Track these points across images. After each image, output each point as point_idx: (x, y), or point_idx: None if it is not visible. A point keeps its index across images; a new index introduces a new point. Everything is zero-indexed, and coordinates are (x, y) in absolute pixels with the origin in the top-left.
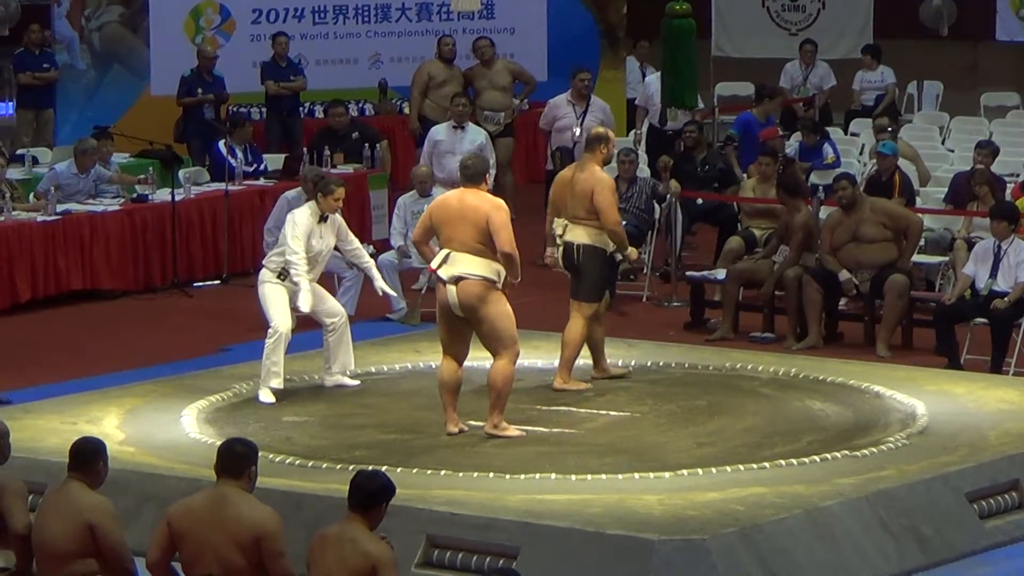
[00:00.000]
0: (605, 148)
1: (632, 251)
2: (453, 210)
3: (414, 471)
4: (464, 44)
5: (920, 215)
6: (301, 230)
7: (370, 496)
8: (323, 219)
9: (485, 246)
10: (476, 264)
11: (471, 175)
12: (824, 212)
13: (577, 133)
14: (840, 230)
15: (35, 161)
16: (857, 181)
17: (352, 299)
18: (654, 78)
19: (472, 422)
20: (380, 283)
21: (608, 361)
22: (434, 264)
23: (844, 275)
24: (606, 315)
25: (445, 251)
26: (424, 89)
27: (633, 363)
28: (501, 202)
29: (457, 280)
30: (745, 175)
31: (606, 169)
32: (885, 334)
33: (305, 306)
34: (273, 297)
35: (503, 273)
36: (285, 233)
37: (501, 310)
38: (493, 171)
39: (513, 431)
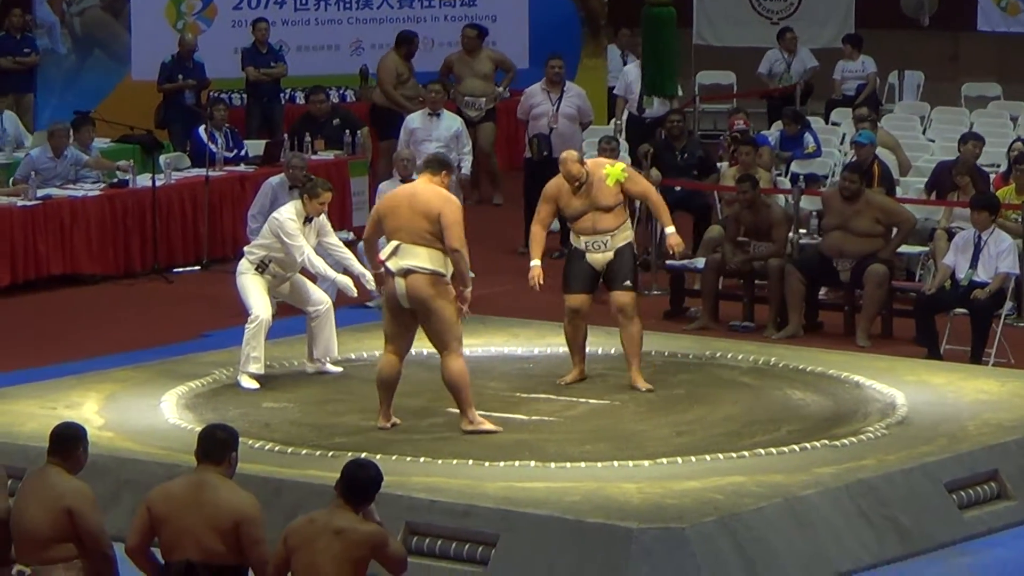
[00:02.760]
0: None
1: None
2: (402, 200)
3: (393, 458)
4: (446, 31)
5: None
6: (293, 229)
7: (365, 487)
8: (308, 220)
9: (435, 237)
10: (425, 257)
11: (430, 161)
12: (804, 202)
13: (554, 120)
14: (830, 216)
15: (19, 144)
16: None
17: (331, 287)
18: (633, 66)
19: (451, 409)
20: (367, 275)
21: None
22: (383, 255)
23: None
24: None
25: (394, 242)
26: (395, 85)
27: (613, 351)
28: (453, 197)
29: (406, 273)
30: (726, 164)
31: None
32: (865, 324)
33: (371, 285)
34: (252, 286)
35: (450, 270)
36: (276, 236)
37: (449, 303)
38: (469, 158)
39: (489, 425)
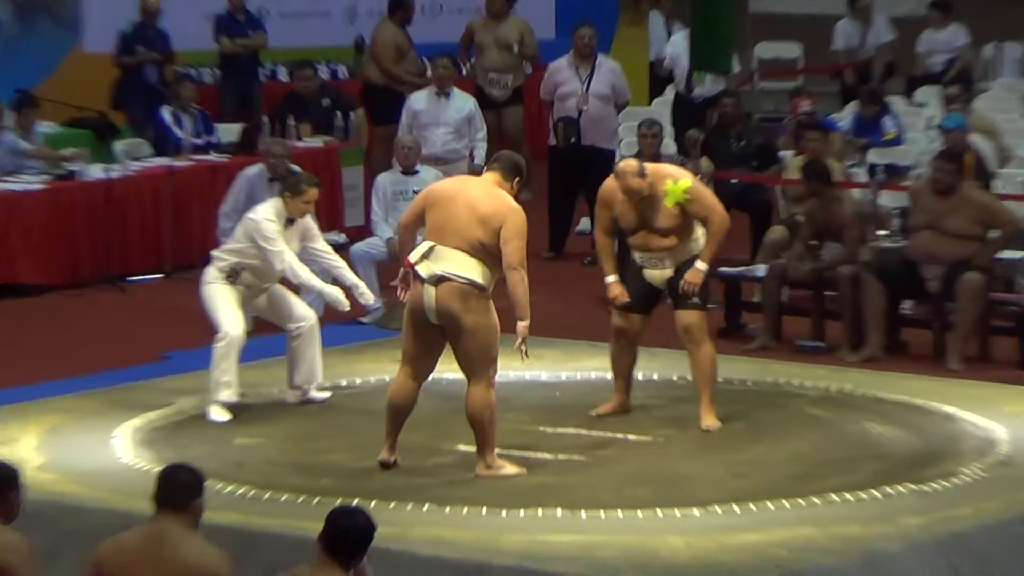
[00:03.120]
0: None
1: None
2: (459, 195)
3: (391, 505)
4: None
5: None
6: (272, 232)
7: (357, 540)
8: (290, 221)
9: (485, 250)
10: (467, 265)
11: (504, 163)
12: (884, 197)
13: (583, 101)
14: (920, 212)
15: None
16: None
17: (318, 300)
18: (680, 37)
19: (461, 447)
20: (360, 286)
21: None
22: (412, 257)
23: None
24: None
25: (429, 243)
26: (395, 59)
27: (655, 376)
28: (521, 209)
29: (439, 280)
30: (789, 152)
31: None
32: (958, 344)
33: (367, 298)
34: (220, 297)
35: (493, 282)
36: (251, 240)
37: (488, 323)
38: (483, 145)
39: (511, 469)
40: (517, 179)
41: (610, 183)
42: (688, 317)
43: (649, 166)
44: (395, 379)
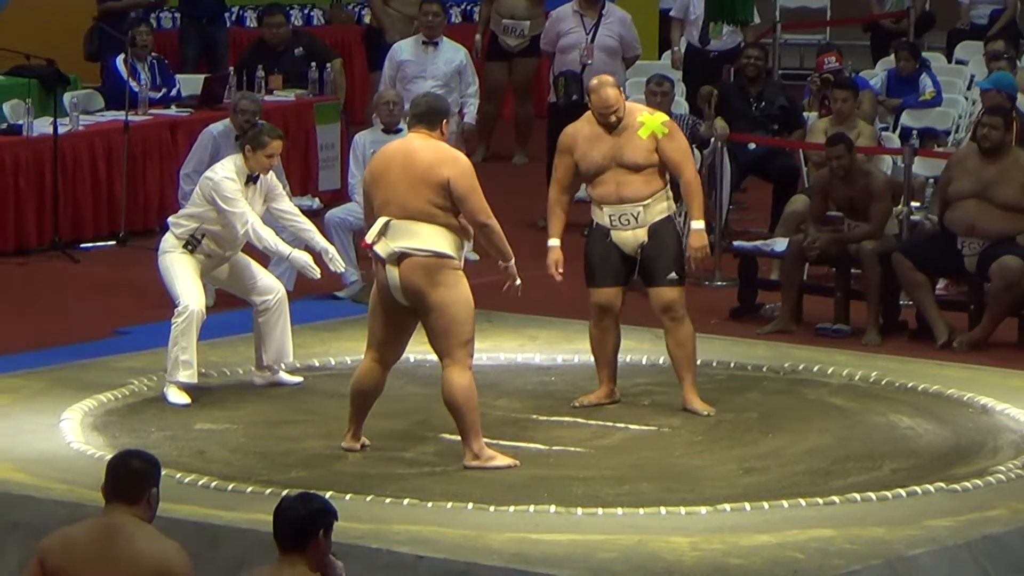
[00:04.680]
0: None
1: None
2: (396, 163)
3: (368, 499)
4: None
5: None
6: (232, 191)
7: (300, 527)
8: (252, 179)
9: (440, 210)
10: (426, 235)
11: (422, 114)
12: (919, 165)
13: (588, 54)
14: (964, 180)
15: None
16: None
17: (289, 271)
18: None
19: (445, 436)
20: (330, 251)
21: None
22: (369, 237)
23: None
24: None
25: (383, 219)
26: None
27: (661, 360)
28: (460, 155)
29: (399, 259)
30: (814, 114)
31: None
32: (982, 332)
33: (337, 264)
34: (179, 268)
35: (463, 247)
36: (210, 201)
37: (459, 296)
38: (475, 101)
39: (501, 460)
40: (443, 121)
41: (572, 126)
42: (669, 294)
43: (628, 103)
44: (361, 363)
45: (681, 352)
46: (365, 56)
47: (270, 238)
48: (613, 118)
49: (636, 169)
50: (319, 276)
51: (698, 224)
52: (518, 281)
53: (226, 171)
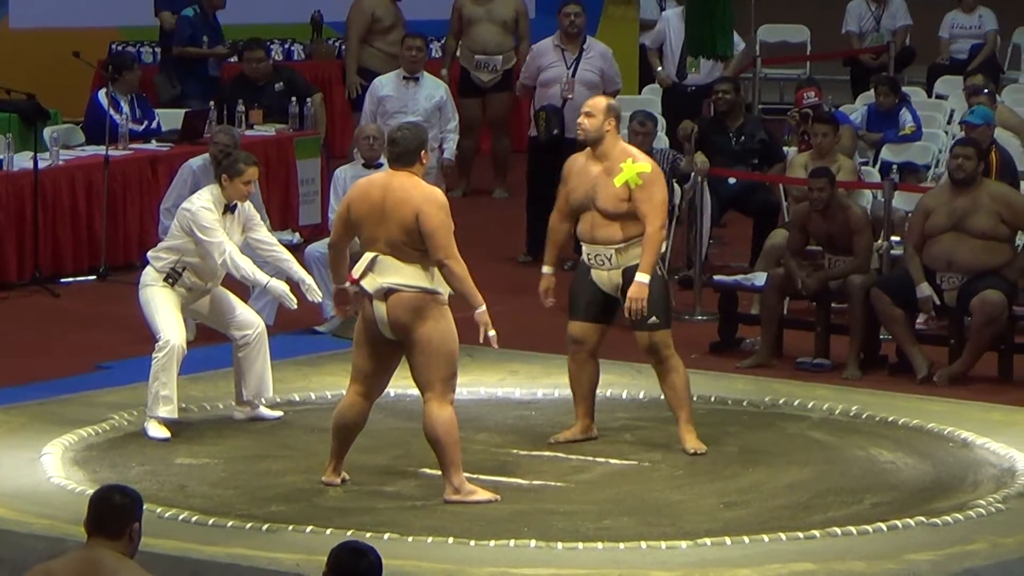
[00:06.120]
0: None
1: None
2: (375, 200)
3: (348, 533)
4: None
5: None
6: (210, 221)
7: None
8: (229, 209)
9: (416, 249)
10: (412, 271)
11: (399, 153)
12: (899, 199)
13: (568, 89)
14: (939, 214)
15: None
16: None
17: (270, 305)
18: (674, 14)
19: (426, 470)
20: (307, 281)
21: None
22: (356, 272)
23: (924, 290)
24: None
25: (370, 255)
26: (365, 33)
27: (641, 394)
28: (436, 192)
29: (387, 294)
30: (794, 149)
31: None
32: (962, 366)
33: (314, 294)
34: (160, 302)
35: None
36: (188, 233)
37: (443, 331)
38: (454, 136)
39: (482, 494)
40: (422, 152)
41: (573, 156)
42: (651, 338)
43: (622, 143)
44: (345, 397)
45: (672, 394)
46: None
47: (248, 267)
48: (580, 134)
49: (606, 216)
50: (296, 306)
51: (643, 277)
52: (492, 332)
53: (203, 201)
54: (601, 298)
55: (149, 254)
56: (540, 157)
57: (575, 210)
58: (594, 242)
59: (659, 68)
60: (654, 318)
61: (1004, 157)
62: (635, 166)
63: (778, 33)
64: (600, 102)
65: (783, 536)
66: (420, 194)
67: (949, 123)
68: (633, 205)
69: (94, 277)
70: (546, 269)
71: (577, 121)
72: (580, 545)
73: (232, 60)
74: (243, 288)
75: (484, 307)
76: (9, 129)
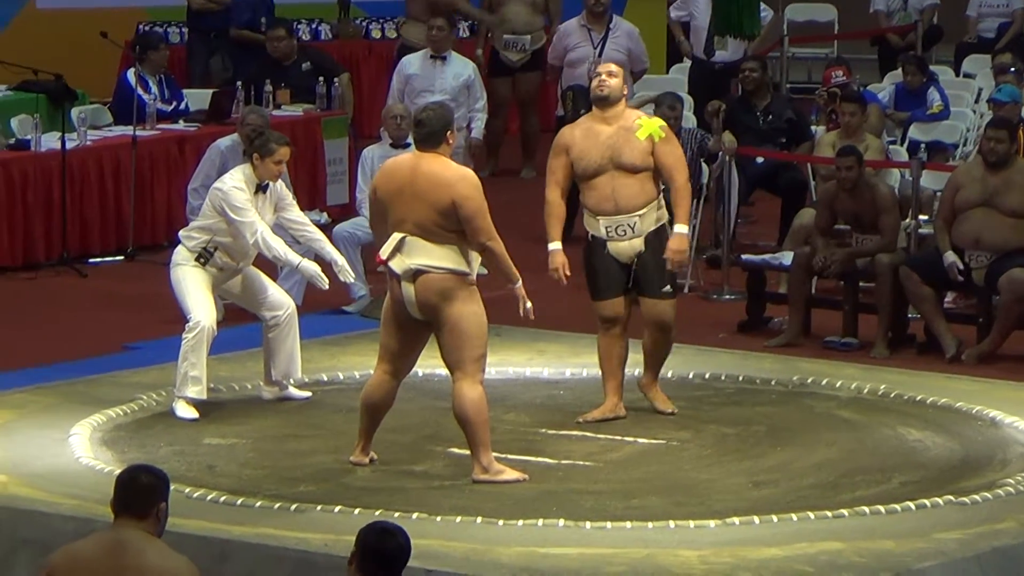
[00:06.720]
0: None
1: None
2: (404, 181)
3: (376, 513)
4: None
5: None
6: (242, 200)
7: (392, 562)
8: (261, 188)
9: (448, 231)
10: (441, 252)
11: (426, 135)
12: (927, 178)
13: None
14: (970, 189)
15: None
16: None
17: (298, 285)
18: None
19: (454, 450)
20: (339, 261)
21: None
22: (383, 253)
23: (949, 257)
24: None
25: (398, 235)
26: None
27: (671, 374)
28: (469, 173)
29: (415, 275)
30: (822, 128)
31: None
32: (990, 344)
33: (346, 275)
34: (191, 282)
35: (476, 263)
36: (220, 212)
37: (472, 310)
38: (482, 115)
39: (510, 474)
40: (448, 133)
41: (568, 127)
42: (663, 307)
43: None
44: (373, 376)
45: (657, 356)
46: (380, 71)
47: (279, 247)
48: (604, 90)
49: (633, 171)
50: (328, 287)
51: (682, 228)
52: (528, 303)
53: (235, 181)
54: (619, 271)
55: (181, 233)
56: None
57: (580, 178)
58: (617, 212)
59: (681, 38)
60: (668, 287)
61: None
62: (654, 120)
63: (806, 12)
64: (617, 65)
65: (811, 515)
66: (453, 175)
67: (977, 102)
68: (657, 158)
69: (122, 257)
70: (555, 245)
71: (600, 79)
72: (608, 524)
73: None
74: (272, 268)
75: (520, 282)
76: (37, 110)
